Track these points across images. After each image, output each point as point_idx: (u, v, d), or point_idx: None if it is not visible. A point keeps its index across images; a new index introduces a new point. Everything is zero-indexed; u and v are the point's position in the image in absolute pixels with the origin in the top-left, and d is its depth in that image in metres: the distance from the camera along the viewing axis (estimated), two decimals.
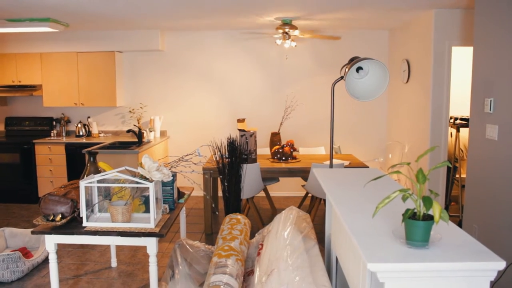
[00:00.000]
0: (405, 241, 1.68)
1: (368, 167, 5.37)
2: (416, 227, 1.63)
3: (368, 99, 3.65)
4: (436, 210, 1.59)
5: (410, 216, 1.66)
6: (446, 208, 5.84)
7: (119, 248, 4.87)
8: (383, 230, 1.86)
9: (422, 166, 5.37)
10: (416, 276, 1.59)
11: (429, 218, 1.65)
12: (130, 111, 7.18)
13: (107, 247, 4.90)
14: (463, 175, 5.72)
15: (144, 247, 4.82)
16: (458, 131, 5.60)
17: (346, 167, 5.31)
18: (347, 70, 3.60)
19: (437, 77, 5.26)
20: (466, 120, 5.51)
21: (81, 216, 3.05)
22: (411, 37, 5.92)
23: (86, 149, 5.44)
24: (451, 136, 5.83)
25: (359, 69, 3.61)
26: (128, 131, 6.28)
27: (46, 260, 4.49)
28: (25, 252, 4.46)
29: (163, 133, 7.21)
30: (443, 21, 5.19)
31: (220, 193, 6.58)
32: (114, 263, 4.43)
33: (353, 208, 2.18)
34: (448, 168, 5.74)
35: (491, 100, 3.69)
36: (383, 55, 6.92)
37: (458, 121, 5.63)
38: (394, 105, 6.69)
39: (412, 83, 5.91)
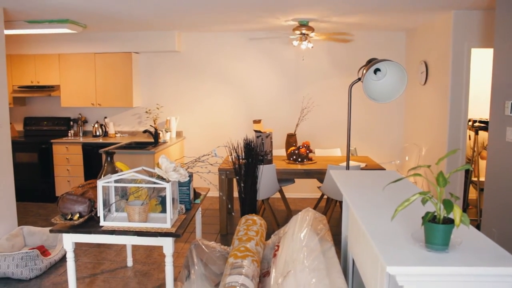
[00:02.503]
0: (424, 245, 1.66)
1: (384, 169, 5.33)
2: (436, 231, 1.61)
3: (385, 101, 3.63)
4: (457, 213, 1.56)
5: (430, 220, 1.64)
6: (464, 211, 5.77)
7: (134, 247, 4.90)
8: (402, 233, 1.84)
9: (439, 169, 5.31)
10: (435, 280, 1.56)
11: (449, 221, 1.63)
12: (146, 112, 7.23)
13: (123, 246, 4.93)
14: (480, 178, 5.64)
15: (159, 247, 4.84)
16: (476, 133, 5.52)
17: (362, 169, 5.27)
18: (364, 71, 3.57)
19: (456, 79, 5.20)
20: (485, 122, 5.43)
21: (98, 215, 3.07)
22: (429, 39, 5.87)
23: (103, 149, 5.49)
24: (469, 139, 5.76)
25: (376, 70, 3.58)
26: (145, 131, 6.32)
27: (63, 259, 4.54)
28: (43, 250, 4.52)
29: (179, 134, 7.25)
30: (462, 22, 5.13)
31: (235, 194, 6.58)
32: (130, 263, 4.45)
33: (371, 211, 2.16)
34: (465, 171, 5.67)
35: (511, 103, 3.63)
36: (400, 56, 6.86)
37: (476, 124, 5.55)
38: (411, 107, 6.63)
39: (430, 85, 5.85)
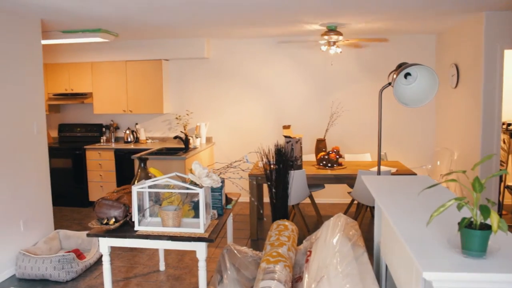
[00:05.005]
0: (461, 251, 1.65)
1: (416, 174, 5.27)
2: (473, 237, 1.60)
3: (416, 105, 3.60)
4: (494, 219, 1.55)
5: (467, 225, 1.63)
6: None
7: (166, 252, 4.97)
8: (438, 239, 1.83)
9: (474, 173, 5.22)
10: (473, 287, 1.55)
11: (486, 227, 1.62)
12: (176, 118, 7.33)
13: (155, 251, 5.01)
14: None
15: (191, 252, 4.90)
16: (511, 137, 5.41)
17: (393, 174, 5.22)
18: (395, 76, 3.56)
19: (488, 82, 5.10)
20: None
21: (133, 220, 3.14)
22: (460, 41, 5.78)
23: (136, 155, 5.59)
24: (504, 142, 5.64)
25: (407, 75, 3.56)
26: (175, 137, 6.41)
27: (98, 262, 4.64)
28: (78, 254, 4.63)
29: (208, 140, 7.32)
30: (495, 23, 5.04)
31: (265, 199, 6.61)
32: (162, 267, 4.52)
33: (404, 216, 2.16)
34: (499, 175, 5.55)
35: None
36: (430, 59, 6.77)
37: (511, 127, 5.44)
38: (443, 110, 6.54)
39: (462, 88, 5.76)
